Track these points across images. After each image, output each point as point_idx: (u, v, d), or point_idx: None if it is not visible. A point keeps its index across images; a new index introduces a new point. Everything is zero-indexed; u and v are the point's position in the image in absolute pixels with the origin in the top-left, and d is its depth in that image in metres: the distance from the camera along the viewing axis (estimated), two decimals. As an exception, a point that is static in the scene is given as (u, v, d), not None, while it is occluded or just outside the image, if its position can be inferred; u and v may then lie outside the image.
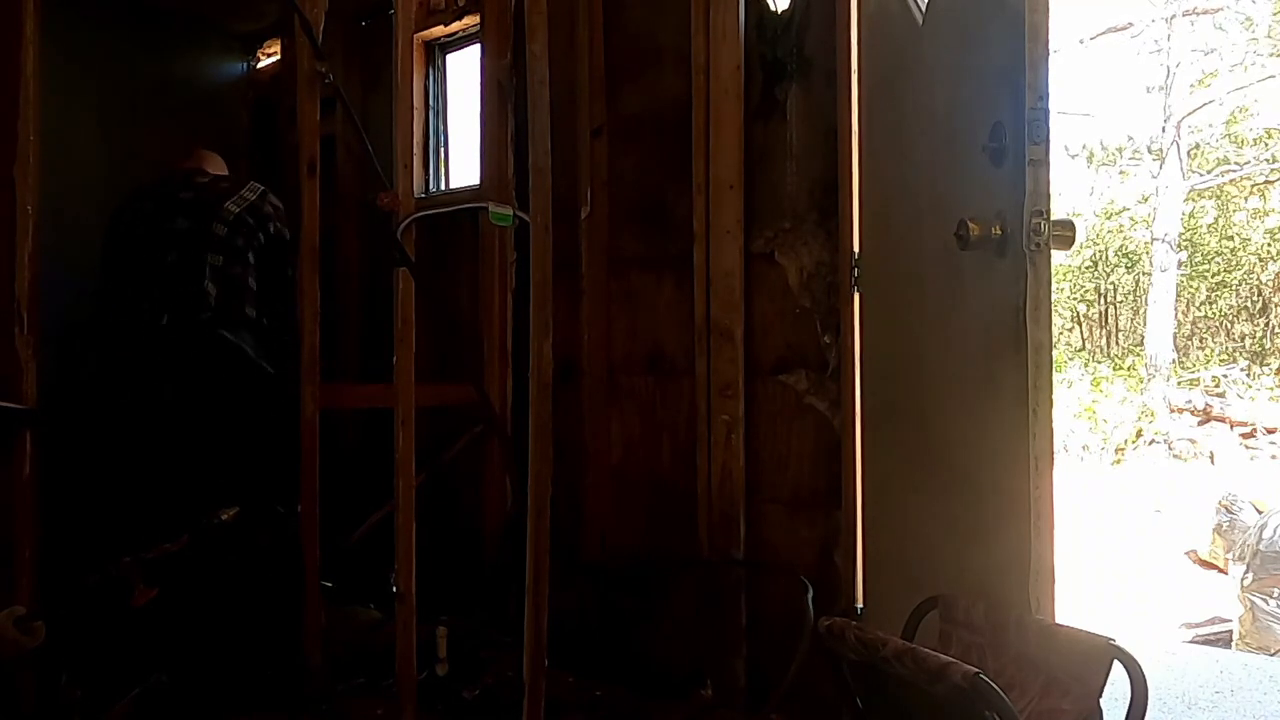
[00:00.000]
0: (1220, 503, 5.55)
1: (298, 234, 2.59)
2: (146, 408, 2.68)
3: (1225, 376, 12.16)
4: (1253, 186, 14.91)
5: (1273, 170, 14.09)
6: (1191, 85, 13.12)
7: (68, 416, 2.58)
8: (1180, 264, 13.79)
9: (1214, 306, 17.24)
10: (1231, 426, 9.66)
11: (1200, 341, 17.03)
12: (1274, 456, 8.94)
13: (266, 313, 2.85)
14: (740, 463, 2.45)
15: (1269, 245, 15.71)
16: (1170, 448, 9.68)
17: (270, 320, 2.86)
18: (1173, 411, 10.49)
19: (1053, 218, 1.51)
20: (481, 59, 2.97)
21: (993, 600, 1.56)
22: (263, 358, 2.81)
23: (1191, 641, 4.43)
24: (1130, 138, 15.39)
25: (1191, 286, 16.57)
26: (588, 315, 2.80)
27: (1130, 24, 13.07)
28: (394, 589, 2.21)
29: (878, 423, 2.15)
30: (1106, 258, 18.03)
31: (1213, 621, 4.65)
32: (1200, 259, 16.25)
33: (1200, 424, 10.00)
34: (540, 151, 2.13)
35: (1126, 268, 17.84)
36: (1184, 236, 14.40)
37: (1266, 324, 16.55)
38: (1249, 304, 17.04)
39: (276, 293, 2.88)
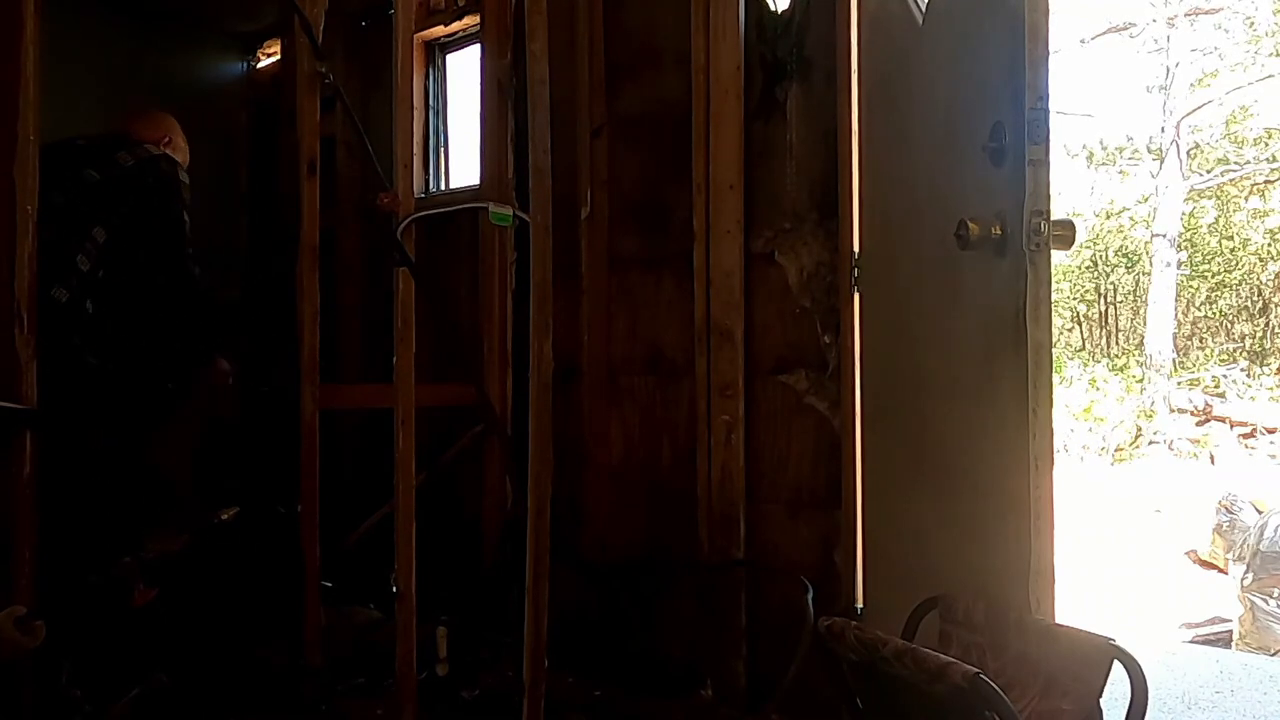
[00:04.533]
0: (1220, 503, 5.55)
1: (298, 234, 2.59)
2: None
3: (1225, 376, 12.17)
4: (1253, 186, 14.91)
5: (1273, 170, 14.09)
6: (1191, 85, 13.11)
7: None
8: (1180, 264, 13.77)
9: (1214, 306, 17.23)
10: (1231, 426, 9.67)
11: (1200, 341, 17.03)
12: (1274, 456, 8.94)
13: (103, 300, 2.43)
14: (740, 463, 2.44)
15: (1269, 245, 15.71)
16: (1170, 448, 9.69)
17: (102, 308, 2.43)
18: (1173, 411, 10.52)
19: (1053, 218, 1.50)
20: (481, 59, 2.98)
21: (993, 600, 1.56)
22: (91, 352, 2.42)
23: (1191, 641, 4.43)
24: (1130, 138, 15.40)
25: (1191, 286, 16.57)
26: (588, 315, 2.80)
27: (1130, 24, 13.07)
28: (394, 589, 2.21)
29: (877, 423, 2.15)
30: (1106, 258, 18.04)
31: (1213, 621, 4.65)
32: (1200, 259, 16.24)
33: (1200, 424, 10.02)
34: (540, 151, 2.13)
35: (1126, 267, 17.83)
36: (1184, 236, 14.39)
37: (1266, 324, 16.55)
38: (1249, 304, 17.04)
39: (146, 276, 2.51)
